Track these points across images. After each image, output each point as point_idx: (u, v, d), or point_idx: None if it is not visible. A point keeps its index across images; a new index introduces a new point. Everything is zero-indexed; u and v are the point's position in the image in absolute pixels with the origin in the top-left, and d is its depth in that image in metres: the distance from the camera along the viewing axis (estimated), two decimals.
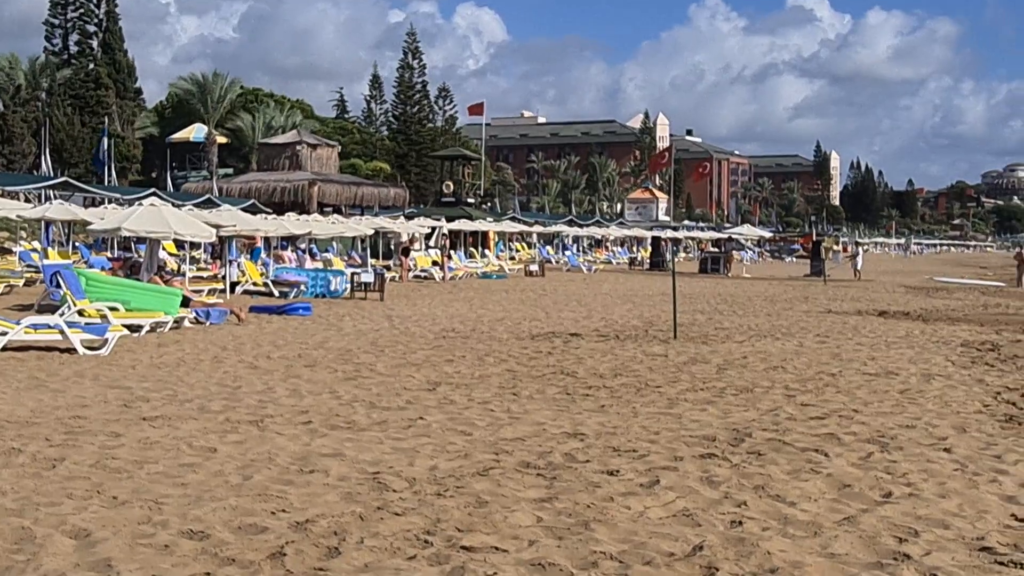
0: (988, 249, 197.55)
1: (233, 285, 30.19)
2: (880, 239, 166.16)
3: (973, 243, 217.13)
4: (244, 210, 39.70)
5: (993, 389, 14.02)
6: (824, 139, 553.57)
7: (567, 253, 67.74)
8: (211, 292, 28.23)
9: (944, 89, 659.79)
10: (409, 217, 53.76)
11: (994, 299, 37.13)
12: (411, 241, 43.73)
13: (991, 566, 6.50)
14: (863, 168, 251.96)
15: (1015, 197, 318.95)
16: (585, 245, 75.96)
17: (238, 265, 32.38)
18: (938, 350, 18.85)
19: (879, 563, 6.55)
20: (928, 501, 8.05)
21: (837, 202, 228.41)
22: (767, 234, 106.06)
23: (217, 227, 29.10)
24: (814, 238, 74.11)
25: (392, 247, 47.37)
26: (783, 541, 6.96)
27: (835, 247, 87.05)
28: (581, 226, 78.59)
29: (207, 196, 49.34)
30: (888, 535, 7.13)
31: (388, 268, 39.92)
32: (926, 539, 7.05)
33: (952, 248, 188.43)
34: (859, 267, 55.19)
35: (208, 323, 21.63)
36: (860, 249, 66.59)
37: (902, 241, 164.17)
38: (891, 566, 6.48)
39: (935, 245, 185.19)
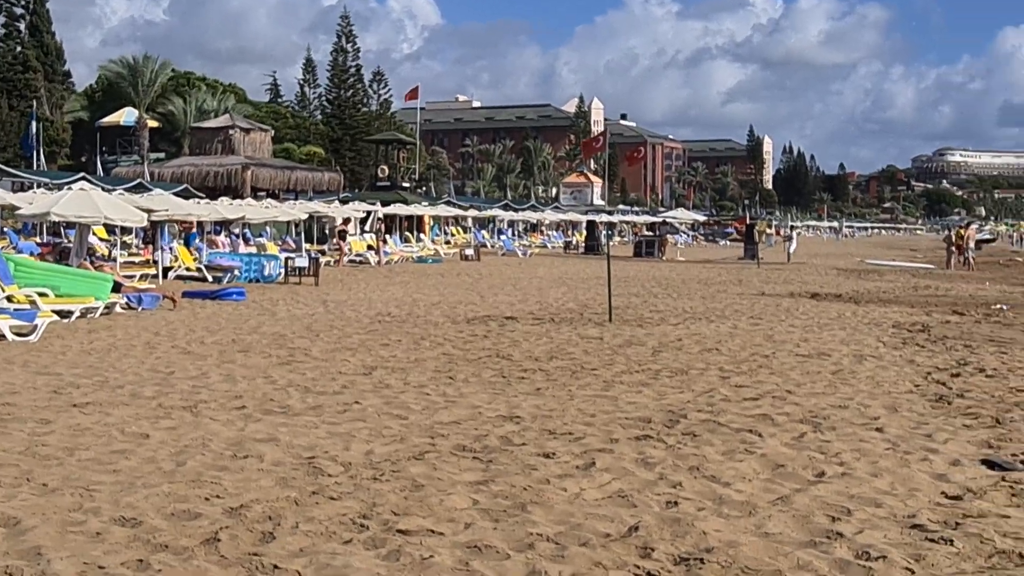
0: (918, 232, 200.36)
1: (165, 270, 29.93)
2: (812, 222, 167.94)
3: (904, 226, 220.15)
4: (176, 195, 39.26)
5: (924, 369, 14.20)
6: (757, 124, 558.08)
7: (502, 237, 67.74)
8: (143, 277, 27.91)
9: (874, 74, 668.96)
10: (344, 201, 53.46)
11: (924, 281, 37.61)
12: (345, 223, 43.52)
13: (922, 543, 6.58)
14: (795, 152, 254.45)
15: (944, 181, 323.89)
16: (520, 229, 75.97)
17: (170, 250, 32.08)
18: (870, 331, 19.06)
19: (813, 541, 6.60)
20: (860, 480, 8.13)
21: (770, 186, 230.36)
22: (701, 218, 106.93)
23: (149, 212, 28.80)
24: (747, 222, 74.66)
25: (327, 232, 47.14)
26: (718, 521, 7.00)
27: (768, 230, 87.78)
28: (516, 210, 78.57)
29: (138, 181, 48.69)
30: (821, 514, 7.19)
31: (323, 253, 39.71)
32: (859, 517, 7.12)
33: (883, 231, 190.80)
34: (792, 250, 55.62)
35: (140, 308, 21.41)
36: (795, 233, 67.18)
37: (834, 224, 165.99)
38: (824, 544, 6.54)
39: (866, 228, 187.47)
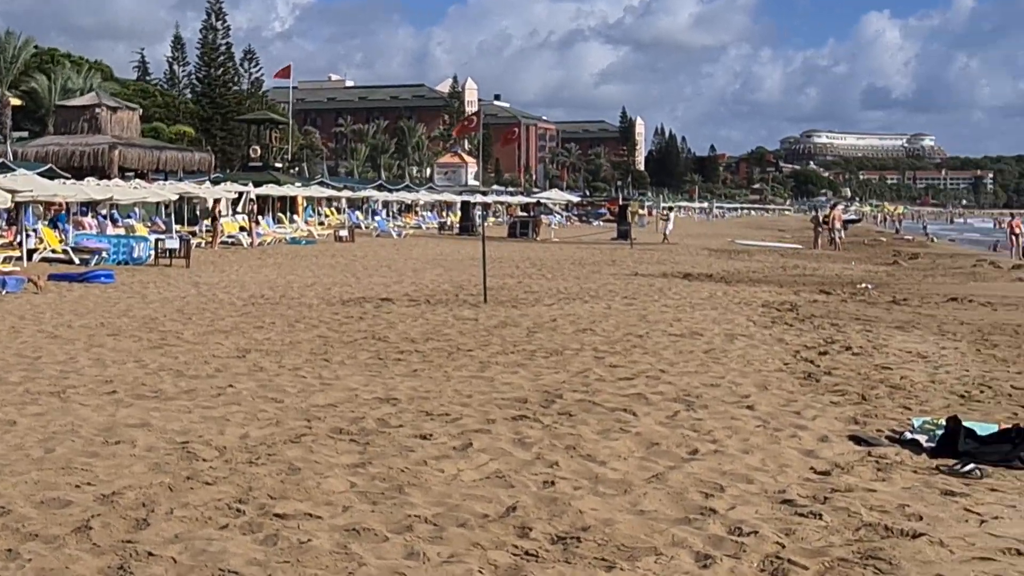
0: (786, 213, 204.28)
1: (30, 252, 29.23)
2: (684, 203, 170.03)
3: (772, 207, 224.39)
4: (41, 175, 38.28)
5: (792, 348, 14.50)
6: (629, 105, 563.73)
7: (377, 218, 67.37)
8: (7, 260, 27.22)
9: (744, 57, 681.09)
10: (215, 182, 52.69)
11: (792, 261, 38.43)
12: (216, 204, 42.93)
13: (792, 518, 6.73)
14: (667, 134, 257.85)
15: (811, 162, 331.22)
16: (395, 210, 75.65)
17: (35, 232, 31.34)
18: (740, 311, 19.39)
19: (687, 518, 6.71)
20: (732, 457, 8.29)
21: (642, 167, 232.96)
22: (575, 199, 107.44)
23: (12, 192, 28.09)
24: (620, 203, 75.37)
25: (197, 213, 46.44)
26: (594, 500, 7.08)
27: (641, 211, 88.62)
28: (390, 191, 78.14)
29: (1, 161, 47.43)
30: (695, 491, 7.31)
31: (194, 234, 39.12)
32: (731, 494, 7.26)
33: (753, 212, 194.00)
34: (668, 231, 56.27)
35: (4, 292, 20.89)
36: (671, 214, 67.96)
37: (705, 205, 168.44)
38: (698, 521, 6.65)
39: (736, 209, 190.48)
